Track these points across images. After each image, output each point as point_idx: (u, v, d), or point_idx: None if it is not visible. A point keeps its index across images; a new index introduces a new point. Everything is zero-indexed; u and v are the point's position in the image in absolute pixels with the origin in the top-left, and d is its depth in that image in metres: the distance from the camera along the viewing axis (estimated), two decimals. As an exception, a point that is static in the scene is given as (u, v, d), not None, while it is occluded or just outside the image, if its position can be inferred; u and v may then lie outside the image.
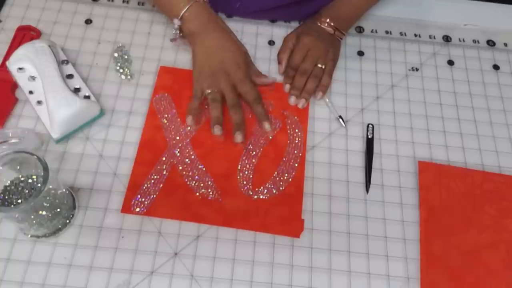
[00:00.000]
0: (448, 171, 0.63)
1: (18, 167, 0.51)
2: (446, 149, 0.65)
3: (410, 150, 0.65)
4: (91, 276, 0.53)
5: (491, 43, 0.76)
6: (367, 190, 0.61)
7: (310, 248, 0.57)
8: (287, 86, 0.67)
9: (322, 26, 0.70)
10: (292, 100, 0.66)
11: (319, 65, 0.67)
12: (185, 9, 0.64)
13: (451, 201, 0.61)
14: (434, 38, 0.76)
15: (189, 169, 0.61)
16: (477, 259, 0.57)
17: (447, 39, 0.76)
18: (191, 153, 0.62)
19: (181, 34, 0.66)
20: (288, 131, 0.64)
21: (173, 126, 0.64)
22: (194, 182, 0.60)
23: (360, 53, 0.73)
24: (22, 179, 0.52)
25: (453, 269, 0.56)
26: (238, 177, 0.61)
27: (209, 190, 0.59)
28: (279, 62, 0.70)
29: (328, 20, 0.69)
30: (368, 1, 0.72)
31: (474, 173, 0.63)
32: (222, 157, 0.62)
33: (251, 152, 0.62)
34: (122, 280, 0.53)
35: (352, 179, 0.62)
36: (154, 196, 0.58)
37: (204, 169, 0.61)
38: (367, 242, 0.58)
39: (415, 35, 0.76)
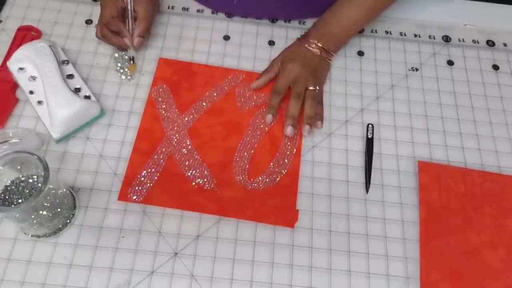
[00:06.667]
0: (448, 171, 0.63)
1: (19, 167, 0.51)
2: (445, 149, 0.65)
3: (410, 150, 0.65)
4: (91, 275, 0.53)
5: (490, 43, 0.76)
6: (367, 190, 0.61)
7: (310, 248, 0.57)
8: (269, 117, 0.64)
9: (309, 47, 0.68)
10: (289, 130, 0.62)
11: (311, 88, 0.65)
12: None
13: (451, 201, 0.61)
14: (434, 38, 0.76)
15: (185, 159, 0.61)
16: (477, 258, 0.57)
17: (446, 39, 0.76)
18: (188, 143, 0.62)
19: None
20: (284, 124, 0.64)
21: (171, 117, 0.64)
22: (190, 172, 0.60)
23: (360, 53, 0.74)
24: (22, 179, 0.52)
25: (452, 268, 0.57)
26: (234, 167, 0.61)
27: (205, 180, 0.60)
28: (258, 78, 0.68)
29: (316, 41, 0.68)
30: (356, 22, 0.70)
31: (473, 173, 0.63)
32: (218, 148, 0.62)
33: (247, 144, 0.63)
34: (122, 280, 0.54)
35: (352, 179, 0.62)
36: (151, 185, 0.59)
37: (200, 159, 0.61)
38: (367, 242, 0.58)
39: (415, 35, 0.76)
